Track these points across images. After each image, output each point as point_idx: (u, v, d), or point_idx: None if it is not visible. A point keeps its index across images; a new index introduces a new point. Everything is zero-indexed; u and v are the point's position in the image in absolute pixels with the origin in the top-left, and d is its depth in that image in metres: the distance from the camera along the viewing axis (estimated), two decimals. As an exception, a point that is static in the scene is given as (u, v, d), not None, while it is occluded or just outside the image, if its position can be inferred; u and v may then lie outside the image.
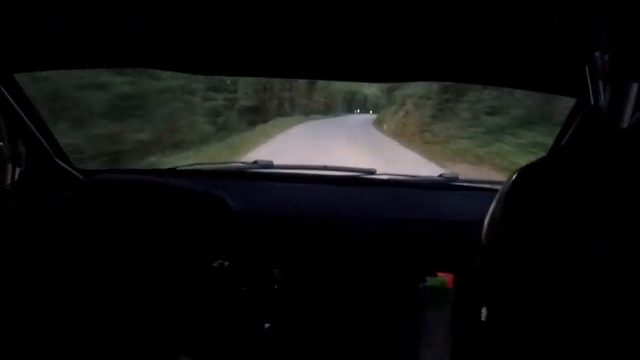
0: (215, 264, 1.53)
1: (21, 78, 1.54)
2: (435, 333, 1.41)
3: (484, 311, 0.61)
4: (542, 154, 1.11)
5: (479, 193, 1.83)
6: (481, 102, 11.21)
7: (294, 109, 18.82)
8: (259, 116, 14.21)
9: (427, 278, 1.45)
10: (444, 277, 1.44)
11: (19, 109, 1.51)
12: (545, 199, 0.56)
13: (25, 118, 1.54)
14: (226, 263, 1.53)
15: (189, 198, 1.63)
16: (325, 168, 1.93)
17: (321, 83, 19.46)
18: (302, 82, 17.56)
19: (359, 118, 22.56)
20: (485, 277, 0.63)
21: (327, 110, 23.01)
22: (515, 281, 0.58)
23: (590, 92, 0.93)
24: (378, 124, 19.10)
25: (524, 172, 0.61)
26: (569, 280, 0.51)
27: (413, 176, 1.95)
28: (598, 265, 0.50)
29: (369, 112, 25.58)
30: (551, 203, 0.55)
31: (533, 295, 0.55)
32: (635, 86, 0.80)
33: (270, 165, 1.89)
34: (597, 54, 0.83)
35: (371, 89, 24.84)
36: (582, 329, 0.50)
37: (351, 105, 27.32)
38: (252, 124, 13.49)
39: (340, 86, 22.59)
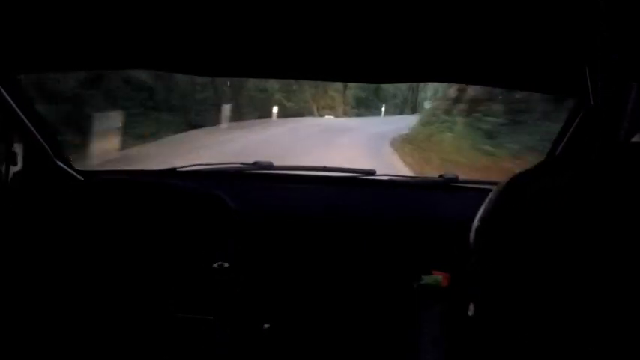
0: (215, 264, 1.53)
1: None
2: (429, 331, 1.41)
3: (471, 307, 0.63)
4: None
5: (478, 193, 1.83)
6: None
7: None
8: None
9: (422, 277, 1.45)
10: (439, 276, 1.44)
11: (19, 110, 1.51)
12: (536, 202, 0.57)
13: (25, 119, 1.53)
14: (226, 264, 1.53)
15: (189, 199, 1.63)
16: (325, 169, 1.93)
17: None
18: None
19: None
20: (473, 274, 0.65)
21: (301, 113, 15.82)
22: (502, 279, 0.59)
23: (590, 92, 0.93)
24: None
25: (516, 177, 0.63)
26: (552, 281, 0.52)
27: (412, 177, 1.96)
28: (584, 267, 0.50)
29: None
30: (541, 206, 0.56)
31: (519, 291, 0.56)
32: (635, 86, 0.80)
33: (269, 166, 1.89)
34: (597, 54, 0.83)
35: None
36: (568, 327, 0.51)
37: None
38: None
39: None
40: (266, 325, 1.56)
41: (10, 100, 1.48)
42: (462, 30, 1.18)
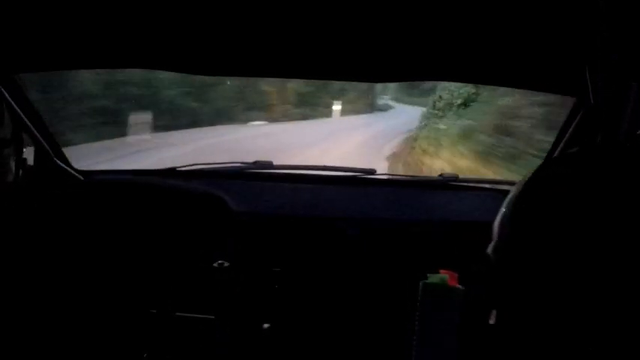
0: (215, 264, 1.53)
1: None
2: (434, 330, 1.41)
3: (493, 314, 0.61)
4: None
5: (478, 192, 1.84)
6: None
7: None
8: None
9: (428, 275, 1.45)
10: (445, 275, 1.43)
11: (19, 110, 1.51)
12: (554, 205, 0.56)
13: (25, 119, 1.53)
14: (226, 263, 1.53)
15: (189, 198, 1.63)
16: (325, 168, 1.93)
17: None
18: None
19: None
20: (495, 280, 0.63)
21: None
22: (525, 286, 0.57)
23: (590, 92, 0.93)
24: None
25: (534, 176, 0.61)
26: (578, 285, 0.51)
27: (412, 176, 1.96)
28: (609, 269, 0.50)
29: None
30: (560, 208, 0.55)
31: (544, 300, 0.55)
32: (635, 86, 0.80)
33: (269, 165, 1.89)
34: (597, 54, 0.84)
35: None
36: (592, 334, 0.50)
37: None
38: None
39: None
40: (266, 325, 1.56)
41: (10, 100, 1.48)
42: (462, 29, 1.18)
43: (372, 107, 17.11)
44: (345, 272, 1.59)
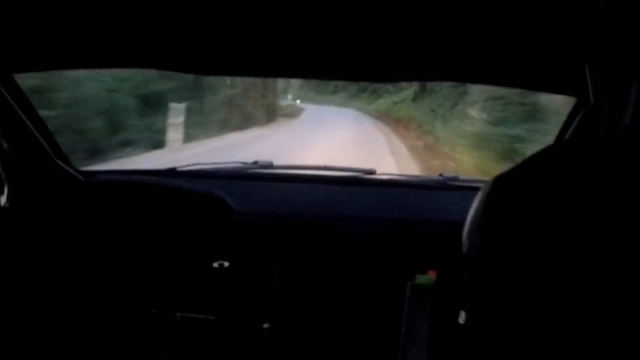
0: (215, 264, 1.53)
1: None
2: (420, 331, 1.41)
3: (462, 315, 0.61)
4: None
5: (479, 192, 1.83)
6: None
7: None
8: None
9: (416, 276, 1.45)
10: (434, 276, 1.43)
11: (18, 110, 1.51)
12: (524, 202, 0.55)
13: (25, 119, 1.53)
14: (226, 263, 1.53)
15: (189, 198, 1.63)
16: (325, 168, 1.94)
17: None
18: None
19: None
20: (465, 280, 0.63)
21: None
22: (494, 286, 0.57)
23: (590, 92, 0.93)
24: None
25: (505, 174, 0.61)
26: (550, 284, 0.51)
27: (413, 176, 1.96)
28: (583, 267, 0.49)
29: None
30: (530, 206, 0.54)
31: (513, 301, 0.54)
32: (635, 86, 0.80)
33: (270, 165, 1.89)
34: (597, 54, 0.83)
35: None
36: (565, 334, 0.50)
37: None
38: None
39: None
40: (266, 325, 1.56)
41: (10, 100, 1.48)
42: (462, 29, 1.18)
43: (272, 113, 10.72)
44: (345, 272, 1.59)
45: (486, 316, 0.58)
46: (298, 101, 15.38)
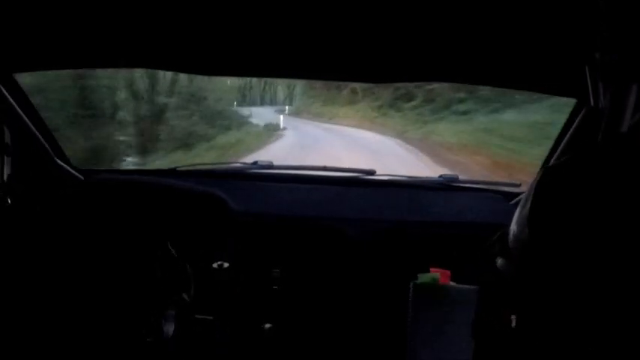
0: (215, 265, 1.53)
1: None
2: (426, 330, 1.41)
3: (514, 318, 0.59)
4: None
5: (479, 193, 1.83)
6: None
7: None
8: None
9: (419, 275, 1.44)
10: (436, 274, 1.43)
11: (19, 109, 1.51)
12: (573, 203, 0.53)
13: (25, 118, 1.53)
14: (226, 264, 1.53)
15: (190, 198, 1.63)
16: (325, 168, 1.94)
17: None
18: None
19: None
20: (514, 284, 0.61)
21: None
22: (546, 288, 0.55)
23: (590, 92, 0.93)
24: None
25: (548, 176, 0.59)
26: (601, 286, 0.50)
27: (412, 177, 1.95)
28: (630, 270, 0.48)
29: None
30: (580, 206, 0.52)
31: (565, 302, 0.53)
32: (635, 87, 0.80)
33: (270, 165, 1.89)
34: (597, 54, 0.83)
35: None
36: (616, 336, 0.49)
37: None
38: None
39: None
40: (266, 325, 1.56)
41: (10, 99, 1.48)
42: (462, 30, 1.18)
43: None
44: (345, 273, 1.59)
45: (540, 319, 0.56)
46: (282, 119, 9.96)
